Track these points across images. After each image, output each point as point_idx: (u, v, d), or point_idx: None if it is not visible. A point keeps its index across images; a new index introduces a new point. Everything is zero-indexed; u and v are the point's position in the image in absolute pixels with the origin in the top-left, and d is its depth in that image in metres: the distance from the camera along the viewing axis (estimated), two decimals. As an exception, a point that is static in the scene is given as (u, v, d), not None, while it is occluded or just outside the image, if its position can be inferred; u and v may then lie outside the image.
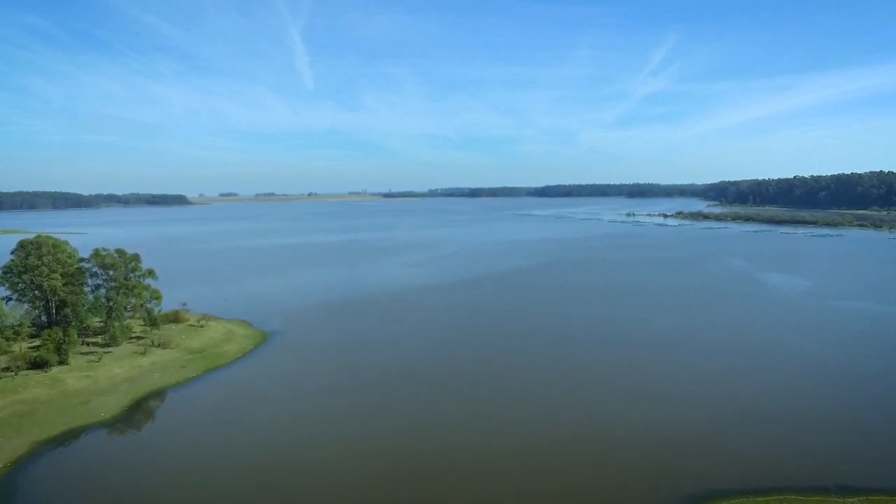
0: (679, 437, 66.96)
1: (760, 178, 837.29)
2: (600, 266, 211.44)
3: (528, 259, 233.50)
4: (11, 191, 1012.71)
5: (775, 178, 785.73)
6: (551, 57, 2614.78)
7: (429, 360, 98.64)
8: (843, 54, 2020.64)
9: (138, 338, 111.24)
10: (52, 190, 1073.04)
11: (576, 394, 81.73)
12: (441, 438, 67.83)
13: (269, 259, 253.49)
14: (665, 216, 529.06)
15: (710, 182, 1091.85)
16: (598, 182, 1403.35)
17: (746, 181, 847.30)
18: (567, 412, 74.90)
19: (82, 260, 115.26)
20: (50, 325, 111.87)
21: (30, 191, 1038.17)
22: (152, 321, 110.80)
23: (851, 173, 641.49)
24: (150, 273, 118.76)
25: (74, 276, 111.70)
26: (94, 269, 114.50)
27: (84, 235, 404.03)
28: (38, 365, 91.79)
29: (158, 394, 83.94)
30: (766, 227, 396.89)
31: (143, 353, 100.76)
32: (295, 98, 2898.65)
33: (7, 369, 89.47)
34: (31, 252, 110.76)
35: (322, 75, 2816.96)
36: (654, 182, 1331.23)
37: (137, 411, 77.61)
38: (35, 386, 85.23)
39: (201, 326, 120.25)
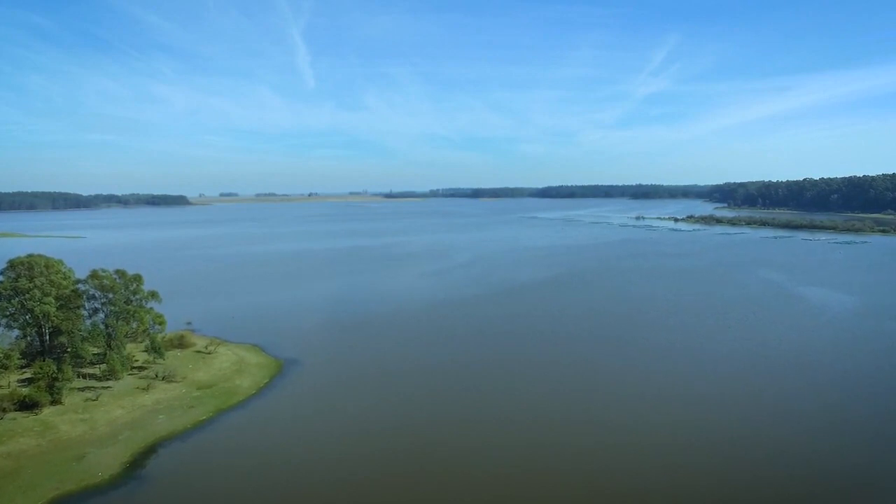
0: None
1: (763, 179, 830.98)
2: (628, 277, 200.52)
3: (550, 269, 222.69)
4: (11, 191, 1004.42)
5: (784, 179, 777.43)
6: (551, 57, 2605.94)
7: (465, 396, 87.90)
8: (843, 55, 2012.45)
9: (140, 368, 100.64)
10: (52, 190, 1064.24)
11: (643, 432, 71.20)
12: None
13: (275, 268, 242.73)
14: (676, 220, 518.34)
15: (712, 183, 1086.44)
16: (599, 183, 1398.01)
17: (754, 183, 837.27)
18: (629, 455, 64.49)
19: (79, 281, 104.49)
20: (43, 352, 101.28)
21: (29, 191, 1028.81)
22: (156, 349, 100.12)
23: (864, 176, 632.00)
24: (153, 295, 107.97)
25: (70, 300, 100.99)
26: (91, 292, 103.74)
27: (83, 240, 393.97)
28: (28, 405, 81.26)
29: (164, 444, 73.05)
30: (782, 232, 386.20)
31: (146, 389, 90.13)
32: (296, 98, 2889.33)
33: (-8, 411, 78.88)
34: (22, 273, 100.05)
35: (323, 75, 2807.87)
36: (656, 183, 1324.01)
37: (140, 469, 66.73)
38: (23, 434, 74.63)
39: (209, 353, 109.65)
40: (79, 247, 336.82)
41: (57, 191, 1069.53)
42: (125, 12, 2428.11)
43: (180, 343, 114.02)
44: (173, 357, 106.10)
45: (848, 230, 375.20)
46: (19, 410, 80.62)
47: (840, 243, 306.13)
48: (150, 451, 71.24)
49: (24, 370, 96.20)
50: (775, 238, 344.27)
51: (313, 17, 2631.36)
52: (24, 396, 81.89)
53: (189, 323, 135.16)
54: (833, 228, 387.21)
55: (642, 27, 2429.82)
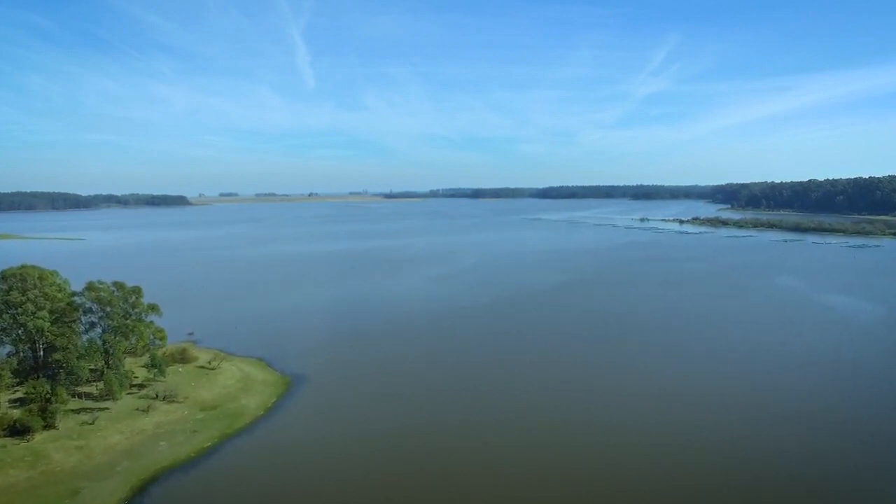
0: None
1: (763, 179, 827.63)
2: (642, 281, 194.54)
3: (560, 274, 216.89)
4: (10, 191, 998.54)
5: (785, 180, 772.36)
6: (551, 57, 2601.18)
7: (477, 401, 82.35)
8: (843, 55, 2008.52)
9: (140, 386, 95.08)
10: (52, 190, 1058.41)
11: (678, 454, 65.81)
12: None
13: (277, 271, 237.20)
14: (681, 222, 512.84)
15: (713, 183, 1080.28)
16: (600, 183, 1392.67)
17: (758, 184, 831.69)
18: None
19: (74, 294, 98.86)
20: (37, 369, 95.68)
21: (28, 191, 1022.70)
22: (157, 367, 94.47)
23: (870, 177, 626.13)
24: (153, 308, 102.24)
25: (65, 314, 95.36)
26: (88, 305, 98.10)
27: (83, 241, 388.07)
28: (19, 431, 75.66)
29: (166, 476, 67.32)
30: (791, 235, 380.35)
31: (146, 411, 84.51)
32: (296, 98, 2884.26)
33: (-20, 437, 73.33)
34: (15, 286, 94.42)
35: (323, 75, 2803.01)
36: (656, 183, 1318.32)
37: (140, 506, 61.26)
38: (13, 464, 69.01)
39: (212, 369, 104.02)
40: (78, 249, 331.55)
41: (56, 191, 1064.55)
42: (125, 12, 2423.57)
43: (182, 357, 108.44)
44: (174, 373, 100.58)
45: (858, 233, 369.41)
46: (9, 436, 75.13)
47: (852, 247, 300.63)
48: (151, 484, 65.57)
49: (15, 389, 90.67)
50: (785, 241, 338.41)
51: (313, 17, 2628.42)
52: (15, 421, 76.37)
53: (191, 333, 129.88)
54: (843, 231, 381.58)
55: (642, 27, 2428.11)
